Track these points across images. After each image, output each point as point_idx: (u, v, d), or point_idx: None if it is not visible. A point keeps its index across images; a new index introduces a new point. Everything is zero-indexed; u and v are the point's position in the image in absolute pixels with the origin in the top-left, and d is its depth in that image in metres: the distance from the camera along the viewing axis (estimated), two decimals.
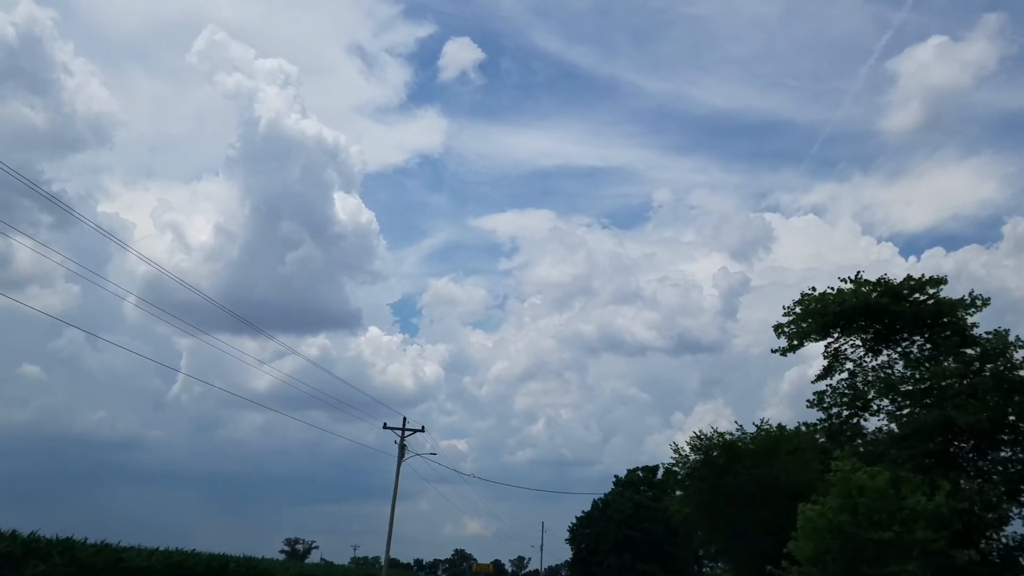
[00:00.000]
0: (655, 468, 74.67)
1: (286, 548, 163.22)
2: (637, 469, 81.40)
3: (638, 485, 78.34)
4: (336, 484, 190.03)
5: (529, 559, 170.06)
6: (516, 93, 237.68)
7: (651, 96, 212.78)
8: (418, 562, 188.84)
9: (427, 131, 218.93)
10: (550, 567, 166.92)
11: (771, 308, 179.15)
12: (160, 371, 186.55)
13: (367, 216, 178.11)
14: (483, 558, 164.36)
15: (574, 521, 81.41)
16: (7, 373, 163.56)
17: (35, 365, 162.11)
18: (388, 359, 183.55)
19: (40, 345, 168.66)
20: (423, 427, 45.19)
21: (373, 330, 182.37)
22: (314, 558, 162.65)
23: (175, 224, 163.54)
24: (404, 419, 44.59)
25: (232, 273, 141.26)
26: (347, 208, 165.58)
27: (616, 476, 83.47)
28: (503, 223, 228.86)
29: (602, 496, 78.88)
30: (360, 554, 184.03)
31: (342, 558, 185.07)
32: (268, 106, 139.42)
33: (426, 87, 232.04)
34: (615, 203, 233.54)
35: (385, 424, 44.76)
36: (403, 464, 43.45)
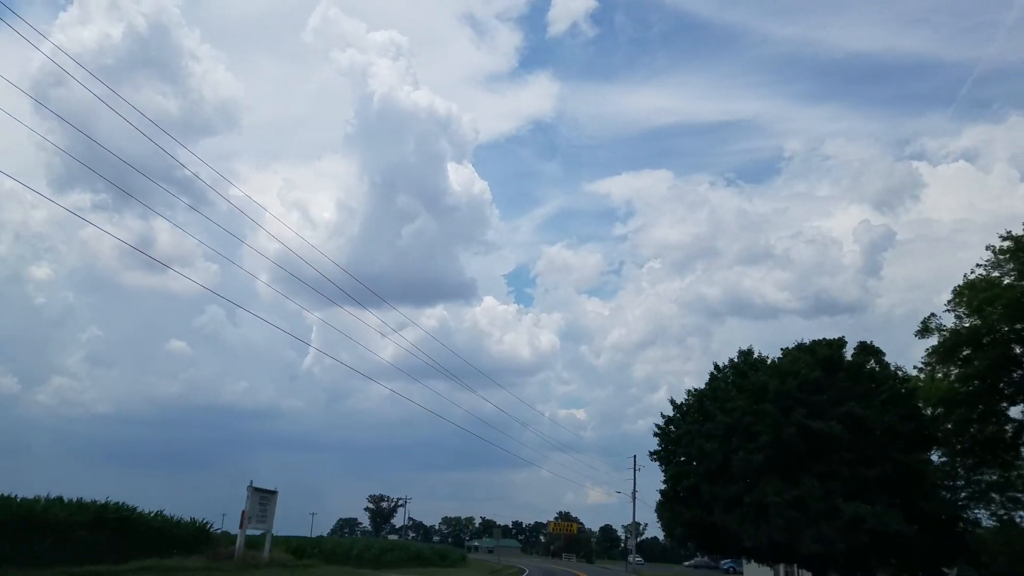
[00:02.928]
0: None
1: (370, 506, 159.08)
2: None
3: None
4: (457, 452, 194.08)
5: (646, 525, 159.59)
6: (630, 49, 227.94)
7: (778, 43, 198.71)
8: (516, 524, 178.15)
9: (538, 96, 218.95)
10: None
11: (919, 264, 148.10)
12: (294, 344, 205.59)
13: (480, 186, 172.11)
14: (594, 524, 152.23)
15: None
16: (158, 349, 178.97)
17: (182, 341, 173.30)
18: (504, 329, 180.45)
19: (185, 322, 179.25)
20: None
21: (488, 300, 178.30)
22: (400, 518, 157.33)
23: (301, 202, 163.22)
24: None
25: (354, 248, 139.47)
26: (460, 179, 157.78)
27: None
28: (618, 186, 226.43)
29: None
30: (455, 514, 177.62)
31: (433, 518, 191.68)
32: (381, 80, 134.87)
33: (537, 50, 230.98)
34: (740, 158, 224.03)
35: None
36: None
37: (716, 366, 36.84)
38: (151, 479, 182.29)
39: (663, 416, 37.70)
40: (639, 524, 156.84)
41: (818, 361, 32.17)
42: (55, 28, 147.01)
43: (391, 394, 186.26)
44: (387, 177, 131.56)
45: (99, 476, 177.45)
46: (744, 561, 51.47)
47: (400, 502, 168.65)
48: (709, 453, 32.93)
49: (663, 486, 36.59)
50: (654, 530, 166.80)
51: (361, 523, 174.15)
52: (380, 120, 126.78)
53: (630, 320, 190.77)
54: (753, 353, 35.93)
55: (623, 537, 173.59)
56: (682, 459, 35.55)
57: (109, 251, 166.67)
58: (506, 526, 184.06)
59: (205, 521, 28.67)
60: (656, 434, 37.35)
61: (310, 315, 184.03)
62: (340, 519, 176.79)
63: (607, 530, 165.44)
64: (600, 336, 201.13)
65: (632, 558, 65.80)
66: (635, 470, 63.25)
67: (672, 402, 37.89)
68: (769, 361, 35.11)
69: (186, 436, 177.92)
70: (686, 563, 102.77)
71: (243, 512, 28.17)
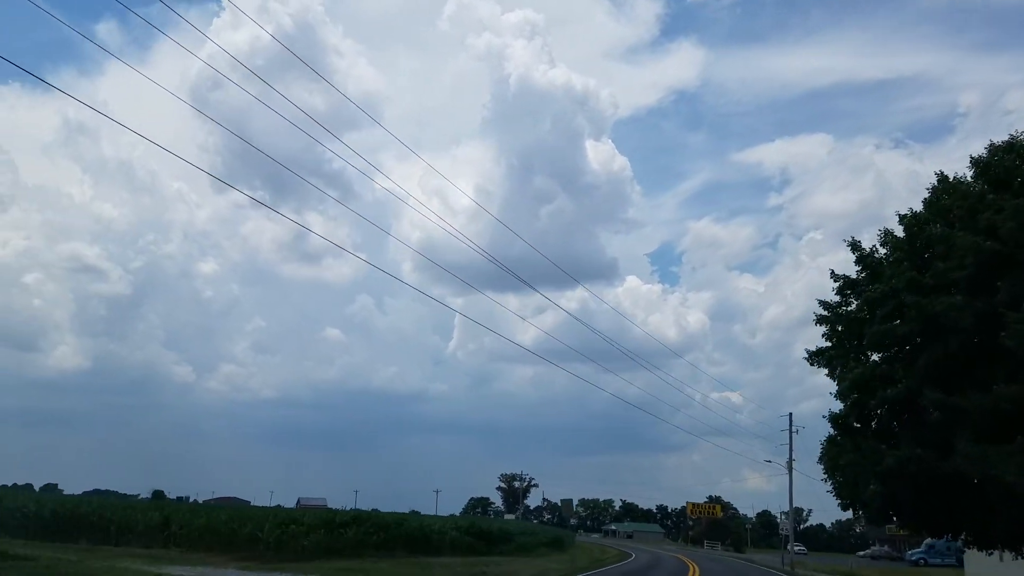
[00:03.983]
0: None
1: (502, 485, 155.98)
2: None
3: None
4: (602, 434, 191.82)
5: (810, 511, 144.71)
6: (780, 9, 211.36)
7: None
8: (661, 508, 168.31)
9: (682, 65, 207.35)
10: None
11: None
12: (439, 329, 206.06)
13: (620, 162, 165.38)
14: (752, 511, 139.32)
15: None
16: (315, 336, 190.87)
17: (336, 328, 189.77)
18: (648, 309, 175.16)
19: (338, 310, 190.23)
20: None
21: (631, 280, 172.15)
22: (535, 497, 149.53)
23: (440, 190, 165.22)
24: None
25: (493, 232, 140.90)
26: (599, 156, 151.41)
27: None
28: (771, 154, 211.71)
29: None
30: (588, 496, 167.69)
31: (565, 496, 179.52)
32: (517, 61, 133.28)
33: (679, 18, 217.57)
34: (908, 117, 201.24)
35: None
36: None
37: (942, 176, 20.96)
38: (312, 460, 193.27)
39: (836, 280, 22.12)
40: (801, 510, 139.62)
41: None
42: (210, 34, 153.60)
43: (534, 377, 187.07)
44: (524, 159, 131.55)
45: (267, 457, 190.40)
46: (961, 546, 34.67)
47: (533, 481, 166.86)
48: (945, 322, 17.55)
49: (832, 413, 21.19)
50: (820, 515, 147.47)
51: (493, 503, 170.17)
52: (516, 102, 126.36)
53: (788, 296, 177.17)
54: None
55: (780, 527, 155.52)
56: (872, 358, 20.15)
57: (268, 245, 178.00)
58: (649, 510, 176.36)
59: None
60: (820, 320, 22.02)
61: (453, 300, 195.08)
62: (472, 498, 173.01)
63: (764, 516, 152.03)
64: (755, 314, 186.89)
65: (791, 546, 49.68)
66: (791, 431, 47.46)
67: (855, 246, 22.22)
68: None
69: (342, 419, 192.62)
70: (860, 553, 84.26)
71: None
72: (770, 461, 47.74)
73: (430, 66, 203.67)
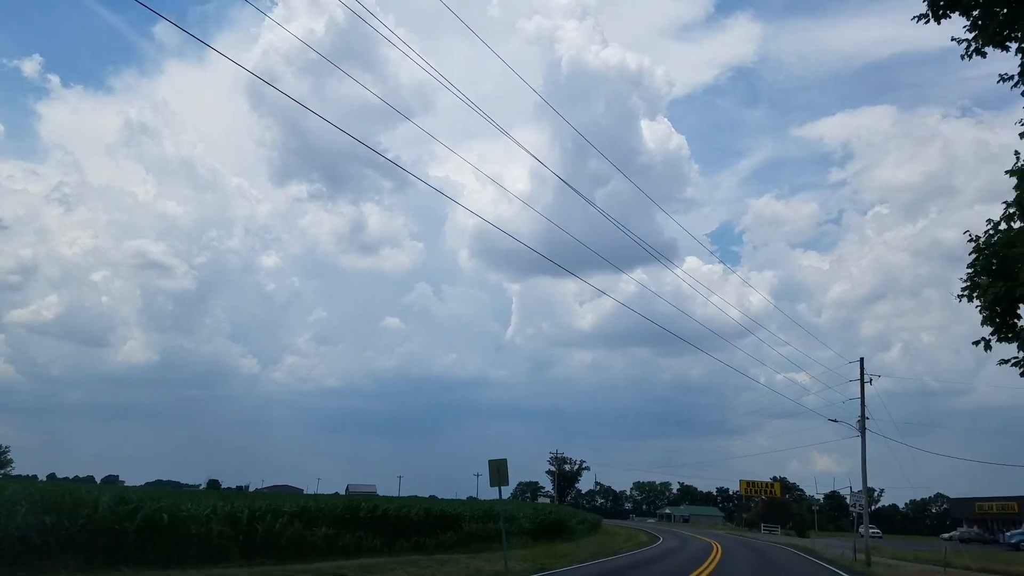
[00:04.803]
0: None
1: (552, 468, 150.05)
2: None
3: None
4: (661, 418, 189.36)
5: (882, 491, 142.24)
6: None
7: None
8: (722, 491, 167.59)
9: (738, 41, 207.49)
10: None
11: None
12: (498, 315, 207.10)
13: (676, 141, 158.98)
14: (816, 491, 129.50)
15: None
16: (376, 326, 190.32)
17: (395, 317, 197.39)
18: (709, 290, 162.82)
19: (397, 299, 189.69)
20: None
21: (691, 260, 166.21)
22: (586, 481, 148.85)
23: (495, 176, 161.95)
24: None
25: (548, 215, 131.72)
26: (655, 136, 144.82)
27: None
28: (832, 128, 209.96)
29: None
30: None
31: (622, 483, 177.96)
32: (568, 43, 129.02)
33: None
34: (976, 85, 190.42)
35: None
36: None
37: None
38: (371, 447, 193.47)
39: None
40: (872, 490, 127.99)
41: None
42: (264, 30, 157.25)
43: (592, 361, 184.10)
44: (578, 141, 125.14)
45: (331, 444, 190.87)
46: None
47: (584, 464, 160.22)
48: None
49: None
50: (892, 495, 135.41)
51: (543, 487, 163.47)
52: (569, 84, 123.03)
53: (854, 273, 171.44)
54: None
55: (851, 505, 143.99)
56: None
57: (327, 237, 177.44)
58: (709, 493, 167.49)
59: None
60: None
61: (510, 286, 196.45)
62: (520, 482, 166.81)
63: (832, 499, 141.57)
64: (820, 293, 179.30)
65: (865, 529, 39.76)
66: (863, 381, 37.52)
67: None
68: None
69: (404, 407, 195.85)
70: (944, 535, 72.87)
71: None
72: (836, 420, 37.82)
73: (482, 52, 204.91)
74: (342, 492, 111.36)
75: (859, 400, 37.29)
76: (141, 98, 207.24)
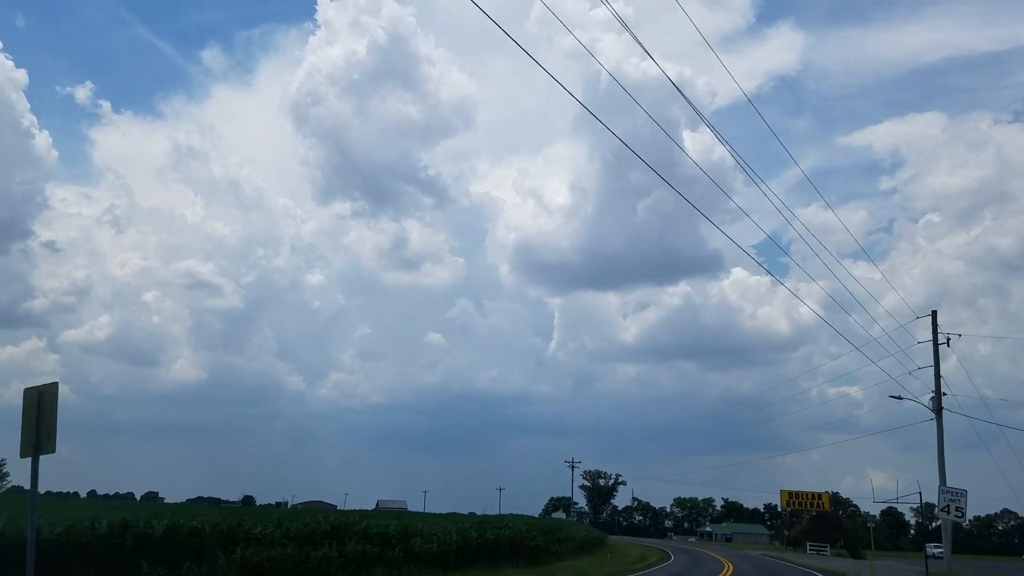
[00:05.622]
0: None
1: (587, 483, 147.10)
2: None
3: None
4: (707, 434, 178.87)
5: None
6: None
7: None
8: (770, 507, 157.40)
9: (780, 50, 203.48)
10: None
11: None
12: (539, 330, 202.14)
13: (719, 152, 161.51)
14: (872, 508, 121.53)
15: None
16: (418, 342, 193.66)
17: (437, 333, 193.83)
18: (757, 302, 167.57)
19: (439, 315, 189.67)
20: None
21: (737, 272, 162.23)
22: (623, 496, 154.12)
23: (535, 190, 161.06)
24: None
25: (590, 229, 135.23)
26: (697, 147, 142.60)
27: None
28: (880, 136, 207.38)
29: None
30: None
31: (662, 499, 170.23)
32: (608, 56, 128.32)
33: (776, 2, 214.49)
34: None
35: None
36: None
37: None
38: (421, 463, 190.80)
39: None
40: (932, 505, 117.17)
41: None
42: (307, 52, 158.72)
43: (636, 376, 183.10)
44: (619, 153, 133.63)
45: (377, 460, 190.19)
46: None
47: (620, 479, 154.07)
48: None
49: None
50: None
51: (577, 504, 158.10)
52: (609, 96, 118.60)
53: (907, 283, 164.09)
54: None
55: (911, 523, 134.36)
56: None
57: (369, 254, 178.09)
58: (755, 509, 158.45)
59: None
60: None
61: (551, 300, 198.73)
62: (552, 498, 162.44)
63: (890, 515, 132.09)
64: (872, 303, 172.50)
65: (945, 547, 32.81)
66: (936, 342, 30.40)
67: None
68: None
69: (447, 422, 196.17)
70: None
71: None
72: (898, 397, 31.00)
73: (520, 68, 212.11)
74: (371, 508, 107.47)
75: (932, 371, 29.98)
76: (189, 122, 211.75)
